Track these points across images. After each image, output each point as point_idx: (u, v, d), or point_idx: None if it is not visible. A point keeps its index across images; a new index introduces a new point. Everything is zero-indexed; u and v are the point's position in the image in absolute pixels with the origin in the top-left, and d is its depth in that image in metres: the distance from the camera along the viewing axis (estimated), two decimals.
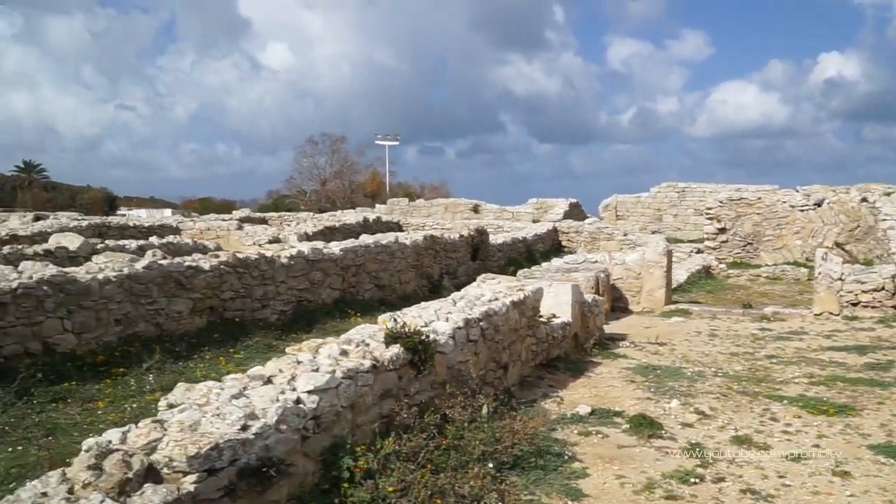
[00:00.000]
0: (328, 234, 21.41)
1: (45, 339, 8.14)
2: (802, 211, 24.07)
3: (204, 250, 15.85)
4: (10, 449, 6.20)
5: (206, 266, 10.21)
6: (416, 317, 6.61)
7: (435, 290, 16.54)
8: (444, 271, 17.16)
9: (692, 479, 5.75)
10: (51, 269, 8.40)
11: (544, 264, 15.34)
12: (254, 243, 19.01)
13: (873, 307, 12.94)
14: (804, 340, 11.47)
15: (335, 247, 13.11)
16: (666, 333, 12.12)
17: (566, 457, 6.19)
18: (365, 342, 5.72)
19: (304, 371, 5.01)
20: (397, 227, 26.91)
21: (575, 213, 32.59)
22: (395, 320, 6.02)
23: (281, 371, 5.06)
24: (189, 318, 10.00)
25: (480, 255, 19.26)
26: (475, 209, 31.02)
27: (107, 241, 13.74)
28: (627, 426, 7.05)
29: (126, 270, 9.05)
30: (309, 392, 4.71)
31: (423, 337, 5.92)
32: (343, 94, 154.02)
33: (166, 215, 45.08)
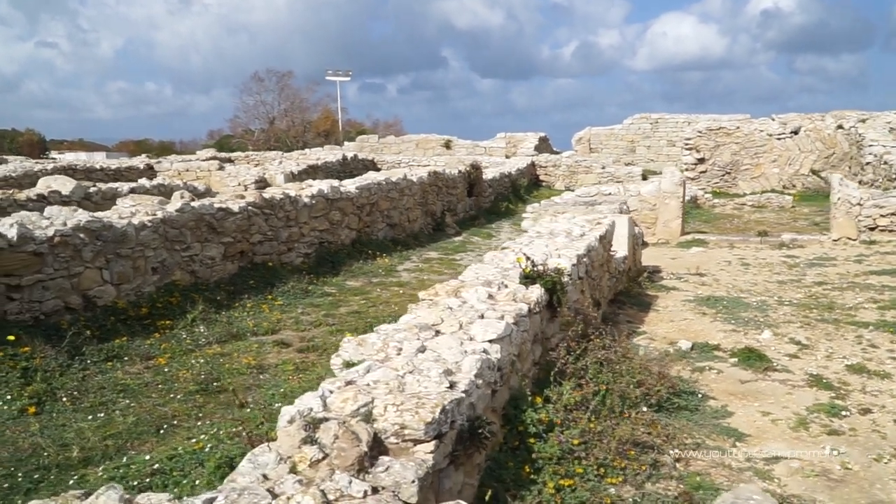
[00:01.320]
0: (311, 172, 20.48)
1: (85, 291, 7.33)
2: (780, 139, 24.24)
3: (195, 191, 14.87)
4: (90, 417, 5.52)
5: (236, 208, 9.41)
6: (534, 254, 6.09)
7: (439, 228, 16.02)
8: (446, 208, 16.60)
9: (842, 412, 5.52)
10: (83, 215, 7.52)
11: (555, 198, 14.92)
12: (239, 184, 18.03)
13: (890, 231, 13.02)
14: (837, 266, 11.45)
15: (350, 185, 12.38)
16: (697, 264, 11.94)
17: (699, 395, 5.88)
18: (504, 284, 5.20)
19: (469, 318, 4.48)
20: (373, 164, 26.06)
21: (544, 146, 32.20)
22: (527, 258, 5.50)
23: (442, 319, 4.51)
24: (221, 263, 9.25)
25: (475, 191, 18.73)
26: (447, 145, 30.26)
27: (98, 185, 12.64)
28: (735, 360, 6.80)
29: (160, 214, 8.22)
30: (490, 341, 4.19)
31: (559, 276, 5.43)
32: (279, 29, 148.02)
33: (99, 158, 42.55)
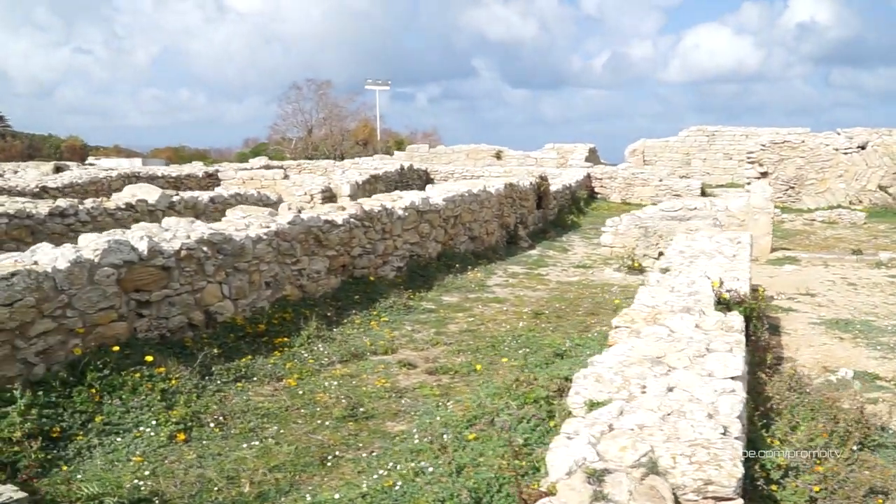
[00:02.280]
0: (373, 182, 20.22)
1: (207, 307, 7.03)
2: (846, 154, 23.57)
3: (268, 201, 14.64)
4: (243, 445, 5.18)
5: (339, 220, 9.10)
6: (711, 277, 5.67)
7: (512, 241, 15.63)
8: (518, 221, 16.20)
9: None
10: (203, 227, 7.23)
11: (636, 212, 14.47)
12: (305, 193, 17.78)
13: None
14: None
15: (437, 196, 12.03)
16: (797, 283, 11.42)
17: (891, 430, 5.41)
18: (703, 311, 4.79)
19: (694, 350, 4.07)
20: (426, 175, 25.78)
21: (592, 157, 31.74)
22: (721, 283, 5.09)
23: (665, 353, 4.10)
24: (326, 277, 8.93)
25: (543, 204, 18.33)
26: (498, 155, 29.90)
27: (181, 194, 12.41)
28: None
29: (273, 227, 7.91)
30: (732, 378, 3.78)
31: (756, 303, 5.01)
32: (312, 39, 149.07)
33: (137, 164, 42.62)
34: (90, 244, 5.85)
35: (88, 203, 10.27)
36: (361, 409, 5.88)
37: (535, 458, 3.99)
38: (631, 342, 4.24)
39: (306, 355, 7.23)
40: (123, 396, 5.52)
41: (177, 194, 12.27)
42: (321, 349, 7.41)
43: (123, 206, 10.78)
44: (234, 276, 7.34)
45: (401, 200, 10.94)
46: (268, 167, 26.24)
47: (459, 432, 5.08)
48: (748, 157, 24.37)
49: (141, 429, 5.23)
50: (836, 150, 23.53)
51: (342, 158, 50.00)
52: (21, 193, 15.10)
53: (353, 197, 18.46)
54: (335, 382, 6.55)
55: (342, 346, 7.58)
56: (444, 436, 5.01)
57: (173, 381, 5.86)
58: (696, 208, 13.99)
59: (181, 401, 5.61)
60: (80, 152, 57.26)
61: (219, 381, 6.28)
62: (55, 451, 4.84)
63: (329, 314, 8.36)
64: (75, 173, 18.17)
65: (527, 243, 15.84)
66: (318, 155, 57.18)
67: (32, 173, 19.11)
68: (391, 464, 4.74)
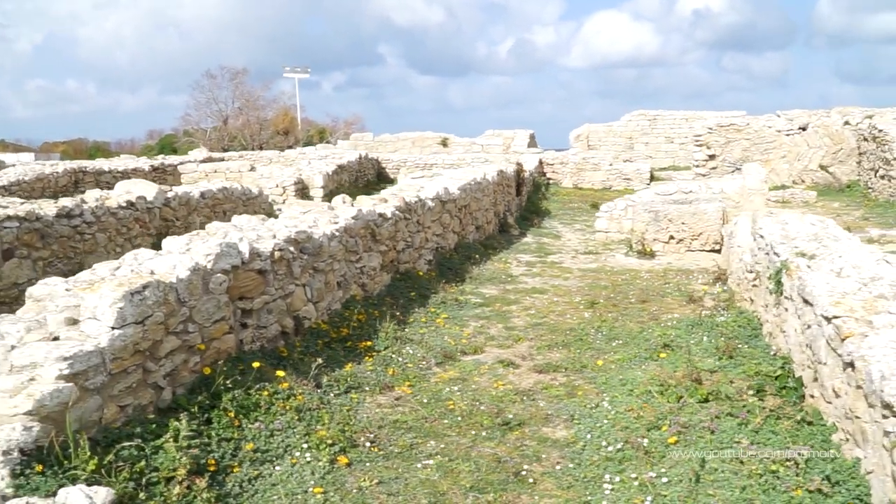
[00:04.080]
0: (339, 173, 19.50)
1: (295, 312, 6.41)
2: (788, 135, 24.57)
3: (251, 195, 13.81)
4: (417, 465, 4.70)
5: (388, 213, 8.57)
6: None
7: (503, 229, 15.37)
8: (506, 209, 15.96)
9: None
10: (278, 224, 6.59)
11: (632, 196, 14.50)
12: (277, 186, 16.91)
13: None
14: None
15: (453, 185, 11.60)
16: None
17: None
18: None
19: None
20: (378, 164, 25.17)
21: (532, 144, 31.89)
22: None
23: None
24: (380, 274, 8.40)
25: (520, 191, 18.16)
26: (444, 143, 29.50)
27: (175, 190, 11.42)
28: None
29: (341, 223, 7.32)
30: None
31: None
32: (210, 24, 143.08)
33: (24, 160, 39.34)
34: (201, 248, 5.15)
35: (91, 202, 9.25)
36: (510, 416, 5.46)
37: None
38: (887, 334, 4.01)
39: (400, 359, 6.73)
40: (260, 418, 4.90)
41: (171, 190, 11.30)
42: (410, 352, 6.92)
43: (125, 205, 9.79)
44: (314, 278, 6.73)
45: (424, 190, 10.46)
46: (210, 160, 24.92)
47: (647, 436, 4.76)
48: (695, 140, 25.01)
49: (295, 454, 4.65)
50: (780, 131, 24.48)
51: (261, 148, 48.34)
52: None
53: (324, 188, 17.74)
54: (453, 388, 6.12)
55: (427, 347, 7.12)
56: (642, 441, 4.67)
57: (299, 398, 5.27)
58: (691, 191, 14.13)
59: (322, 419, 5.06)
60: None
61: (332, 394, 5.71)
62: (217, 489, 4.21)
63: (397, 313, 7.83)
64: (19, 170, 16.58)
65: (517, 231, 15.61)
66: (234, 146, 55.15)
67: None
68: (599, 475, 4.38)
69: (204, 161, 24.36)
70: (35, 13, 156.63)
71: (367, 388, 5.98)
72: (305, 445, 4.74)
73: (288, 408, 5.07)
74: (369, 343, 6.93)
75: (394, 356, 6.76)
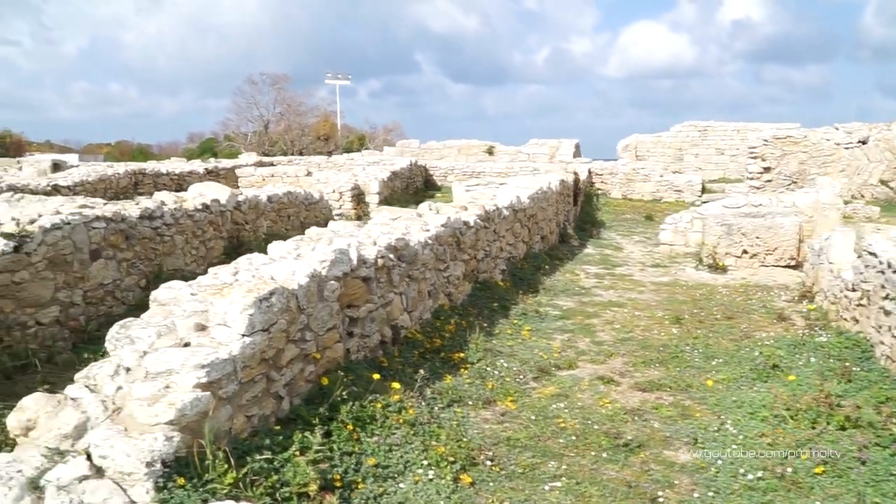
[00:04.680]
0: (393, 179, 19.40)
1: (393, 321, 6.25)
2: (847, 149, 23.98)
3: (312, 199, 13.74)
4: (545, 487, 4.48)
5: (471, 221, 8.39)
6: None
7: (563, 240, 15.11)
8: (565, 218, 15.72)
9: None
10: (376, 230, 6.43)
11: (698, 209, 14.17)
12: (334, 191, 16.84)
13: None
14: None
15: (524, 194, 11.39)
16: None
17: None
18: None
19: None
20: (426, 171, 25.07)
21: (577, 153, 31.56)
22: None
23: None
24: (462, 283, 8.23)
25: (576, 201, 17.90)
26: (490, 151, 29.31)
27: (245, 193, 11.37)
28: None
29: (433, 230, 7.15)
30: None
31: None
32: (249, 30, 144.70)
33: (70, 160, 39.90)
34: (316, 254, 5.01)
35: (170, 204, 9.20)
36: (628, 437, 5.23)
37: None
38: None
39: (496, 373, 6.53)
40: (377, 432, 4.72)
41: (241, 193, 11.25)
42: (504, 365, 6.73)
43: (200, 207, 9.74)
44: (409, 286, 6.56)
45: (497, 199, 10.27)
46: (261, 164, 25.02)
47: (787, 464, 4.50)
48: (750, 152, 24.51)
49: (417, 471, 4.46)
50: (838, 144, 23.90)
51: (301, 154, 48.64)
52: (34, 192, 13.75)
53: (380, 194, 17.65)
54: (558, 405, 5.90)
55: (520, 361, 6.93)
56: (784, 469, 4.41)
57: (410, 411, 5.09)
58: (761, 205, 13.74)
59: (436, 434, 4.87)
60: (17, 148, 53.85)
61: (436, 407, 5.53)
62: None
63: (484, 324, 7.64)
64: (83, 171, 16.74)
65: (576, 241, 15.36)
66: (274, 151, 55.54)
67: (28, 170, 17.50)
68: None
69: (254, 165, 24.47)
70: (80, 17, 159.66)
71: (469, 403, 5.79)
72: (425, 462, 4.55)
73: (402, 421, 4.90)
74: (462, 354, 6.74)
75: (488, 369, 6.57)
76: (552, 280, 10.86)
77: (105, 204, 8.30)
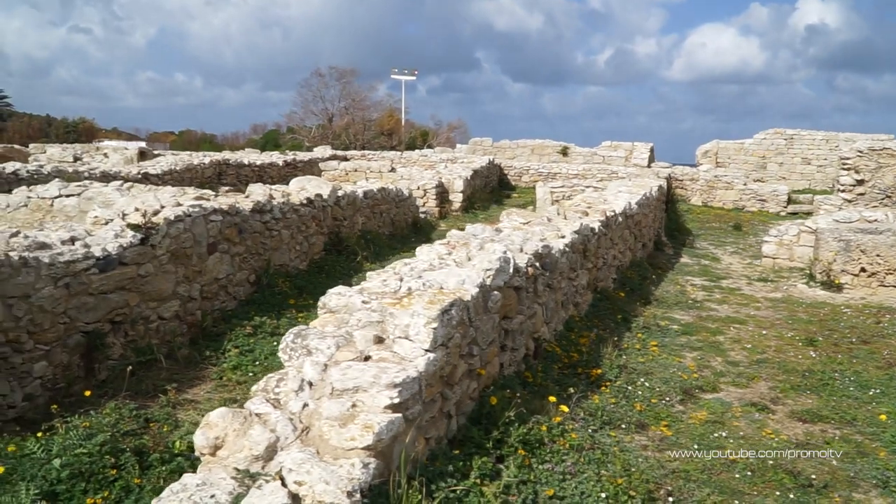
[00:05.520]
0: (475, 178, 19.03)
1: (534, 334, 5.87)
2: None
3: (402, 196, 13.46)
4: None
5: (596, 227, 7.95)
6: None
7: (658, 247, 14.52)
8: (659, 225, 15.13)
9: None
10: (517, 237, 6.05)
11: (807, 222, 13.43)
12: (418, 188, 16.55)
13: None
14: None
15: (633, 200, 10.89)
16: None
17: None
18: None
19: None
20: (501, 171, 24.67)
21: (651, 157, 30.74)
22: None
23: None
24: (586, 293, 7.79)
25: (668, 208, 17.27)
26: (563, 152, 28.73)
27: (343, 188, 11.15)
28: None
29: (568, 237, 6.74)
30: None
31: None
32: (312, 25, 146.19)
33: (135, 147, 40.37)
34: (478, 262, 4.65)
35: (279, 198, 9.00)
36: (812, 476, 4.75)
37: None
38: None
39: (639, 393, 6.11)
40: (547, 458, 4.35)
41: (341, 189, 11.02)
42: (646, 385, 6.30)
43: (305, 202, 9.52)
44: (549, 297, 6.17)
45: (611, 204, 9.80)
46: (335, 158, 24.95)
47: None
48: (843, 164, 23.41)
49: None
50: None
51: (364, 148, 48.71)
52: (126, 179, 13.81)
53: (464, 193, 17.32)
54: (719, 433, 5.44)
55: (661, 380, 6.47)
56: None
57: (573, 435, 4.70)
58: (877, 220, 12.97)
59: (602, 462, 4.46)
60: (89, 134, 55.22)
61: (590, 429, 5.13)
62: None
63: (614, 338, 7.22)
64: (170, 160, 16.81)
65: (670, 250, 14.77)
66: (337, 144, 55.83)
67: (115, 157, 17.67)
68: None
69: (329, 158, 24.42)
70: (150, 7, 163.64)
71: (622, 426, 5.39)
72: (603, 495, 4.16)
73: (567, 446, 4.52)
74: (599, 371, 6.33)
75: (630, 388, 6.16)
76: (661, 291, 10.36)
77: (216, 196, 8.12)
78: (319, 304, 4.20)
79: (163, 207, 6.90)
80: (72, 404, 5.47)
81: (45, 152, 22.53)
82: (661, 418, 5.63)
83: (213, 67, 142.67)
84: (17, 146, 21.93)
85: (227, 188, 15.91)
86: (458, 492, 3.62)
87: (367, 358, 3.69)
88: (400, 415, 3.37)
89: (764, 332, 8.61)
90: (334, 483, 3.07)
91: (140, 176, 14.70)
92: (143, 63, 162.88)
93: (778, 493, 4.53)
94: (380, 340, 3.80)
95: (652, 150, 31.25)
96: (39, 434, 4.39)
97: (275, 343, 6.91)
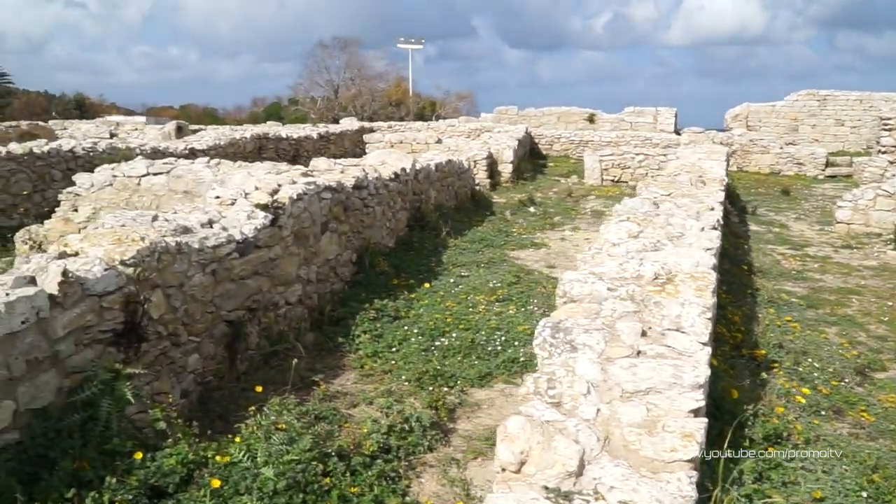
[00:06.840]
0: (518, 147, 18.52)
1: None
2: None
3: (463, 168, 12.98)
4: None
5: (722, 198, 7.50)
6: None
7: (725, 215, 14.07)
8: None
9: None
10: (688, 209, 5.62)
11: (885, 186, 13.01)
12: (467, 160, 16.03)
13: None
14: None
15: (719, 167, 10.44)
16: None
17: None
18: None
19: None
20: (532, 140, 24.13)
21: (675, 123, 30.26)
22: None
23: None
24: None
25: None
26: (591, 119, 28.18)
27: (419, 161, 10.66)
28: None
29: (718, 210, 6.31)
30: None
31: None
32: None
33: (138, 121, 39.51)
34: (699, 241, 4.23)
35: (372, 175, 8.52)
36: None
37: None
38: None
39: (813, 374, 5.74)
40: (791, 454, 3.97)
41: (417, 161, 10.54)
42: (815, 365, 5.93)
43: (392, 177, 9.05)
44: None
45: (708, 173, 9.36)
46: (362, 130, 24.36)
47: None
48: (884, 124, 22.94)
49: None
50: None
51: (371, 119, 47.91)
52: (174, 155, 13.29)
53: (513, 163, 16.84)
54: (876, 457, 5.06)
55: (823, 359, 6.09)
56: None
57: (797, 426, 4.32)
58: None
59: (847, 454, 4.09)
60: (93, 111, 54.23)
61: (791, 416, 4.74)
62: None
63: (758, 314, 6.83)
64: (213, 134, 16.25)
65: (736, 217, 14.35)
66: (345, 116, 54.95)
67: (153, 132, 17.08)
68: None
69: (360, 131, 23.84)
70: None
71: (820, 413, 5.00)
72: (864, 494, 3.79)
73: (802, 440, 4.14)
74: (762, 352, 5.94)
75: (800, 370, 5.77)
76: (757, 260, 9.98)
77: (322, 173, 7.65)
78: (558, 292, 3.78)
79: (280, 186, 6.44)
80: (222, 398, 5.09)
81: (65, 129, 21.91)
82: (851, 402, 5.25)
83: (208, 41, 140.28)
84: (40, 123, 21.27)
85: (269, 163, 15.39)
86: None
87: (638, 353, 3.28)
88: (705, 420, 2.97)
89: (889, 303, 8.24)
90: (668, 502, 2.68)
91: (187, 151, 14.19)
92: (138, 37, 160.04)
93: None
94: (643, 333, 3.39)
95: (676, 116, 30.74)
96: (238, 439, 3.98)
97: (405, 328, 6.51)
